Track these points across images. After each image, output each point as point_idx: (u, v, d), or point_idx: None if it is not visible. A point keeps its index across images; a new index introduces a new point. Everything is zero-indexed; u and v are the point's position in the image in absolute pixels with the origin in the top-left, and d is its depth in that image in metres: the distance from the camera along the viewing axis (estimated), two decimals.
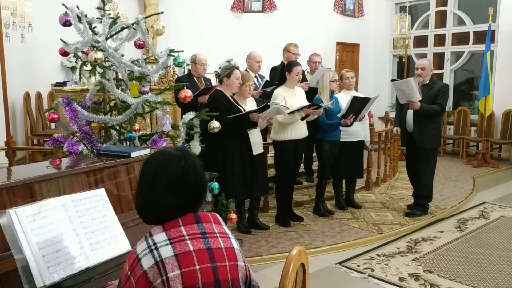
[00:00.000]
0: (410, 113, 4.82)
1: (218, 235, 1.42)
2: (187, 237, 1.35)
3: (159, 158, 1.44)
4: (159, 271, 1.28)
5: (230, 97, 4.06)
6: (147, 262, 1.30)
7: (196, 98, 4.40)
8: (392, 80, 4.90)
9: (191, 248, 1.34)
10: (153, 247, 1.32)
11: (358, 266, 3.83)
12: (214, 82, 7.66)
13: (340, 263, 3.89)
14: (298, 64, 4.68)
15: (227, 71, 4.04)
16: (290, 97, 4.48)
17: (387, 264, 3.85)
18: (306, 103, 4.57)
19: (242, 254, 1.47)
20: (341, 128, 4.79)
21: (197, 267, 1.32)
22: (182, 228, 1.37)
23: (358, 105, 4.64)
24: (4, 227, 1.57)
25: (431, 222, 4.89)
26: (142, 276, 1.29)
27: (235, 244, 1.45)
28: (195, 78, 5.05)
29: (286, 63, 5.37)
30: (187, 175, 1.41)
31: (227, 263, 1.39)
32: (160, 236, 1.34)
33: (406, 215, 5.05)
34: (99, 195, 1.90)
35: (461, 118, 8.70)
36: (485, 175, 7.26)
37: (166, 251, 1.31)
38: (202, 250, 1.35)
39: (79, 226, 1.75)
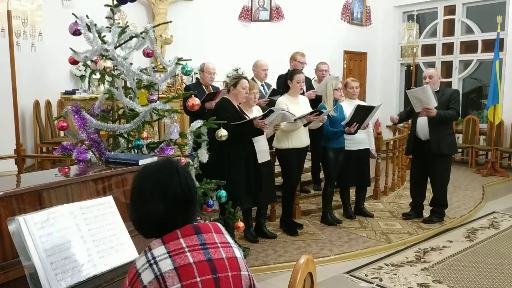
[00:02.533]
0: (422, 121, 4.82)
1: (219, 245, 1.40)
2: (186, 249, 1.33)
3: (142, 171, 1.46)
4: (160, 286, 1.27)
5: (236, 106, 4.07)
6: (147, 276, 1.28)
7: (203, 104, 4.42)
8: (408, 89, 4.84)
9: (191, 260, 1.31)
10: (152, 261, 1.30)
11: (366, 275, 3.80)
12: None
13: (348, 272, 3.86)
14: (300, 72, 4.73)
15: (234, 81, 4.06)
16: (293, 105, 4.50)
17: (395, 274, 3.81)
18: (310, 110, 4.60)
19: (245, 263, 1.44)
20: (346, 136, 4.80)
21: (198, 279, 1.30)
22: (182, 240, 1.35)
23: (362, 113, 4.66)
24: (13, 234, 1.58)
25: (440, 232, 4.84)
26: None
27: (238, 253, 1.43)
28: (203, 86, 5.07)
29: None
30: (170, 180, 1.40)
31: (229, 273, 1.36)
32: (159, 250, 1.33)
33: (424, 222, 5.04)
34: (107, 202, 1.90)
35: (470, 127, 8.64)
36: (494, 184, 7.19)
37: (166, 265, 1.29)
38: (203, 262, 1.33)
39: (87, 233, 1.75)
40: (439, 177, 4.94)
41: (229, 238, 1.46)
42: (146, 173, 1.44)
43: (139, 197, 1.41)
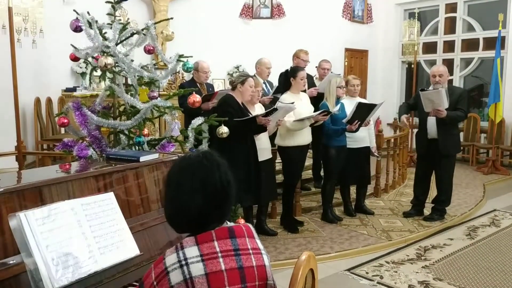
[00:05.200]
0: (431, 120, 4.79)
1: (251, 251, 1.38)
2: (219, 254, 1.31)
3: (180, 163, 1.42)
4: None
5: (240, 103, 4.08)
6: (175, 277, 1.27)
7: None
8: (421, 90, 4.74)
9: (223, 267, 1.30)
10: (183, 262, 1.28)
11: (367, 273, 3.80)
12: (221, 87, 7.69)
13: (348, 270, 3.87)
14: (302, 69, 4.76)
15: (241, 78, 4.08)
16: (297, 102, 4.49)
17: (396, 272, 3.81)
18: (311, 107, 4.63)
19: (271, 270, 1.44)
20: (347, 134, 4.79)
21: None
22: (216, 244, 1.33)
23: (364, 111, 4.64)
24: (14, 230, 1.58)
25: (441, 229, 4.85)
26: None
27: (266, 260, 1.42)
28: (198, 85, 5.07)
29: None
30: (210, 173, 1.37)
31: (257, 283, 1.36)
32: (192, 251, 1.30)
33: (424, 219, 5.05)
34: (108, 199, 1.90)
35: (471, 125, 8.63)
36: (495, 182, 7.19)
37: (197, 269, 1.27)
38: (234, 270, 1.32)
39: (88, 229, 1.75)
40: (446, 174, 4.95)
41: (259, 244, 1.45)
42: (186, 164, 1.39)
43: (177, 189, 1.37)
